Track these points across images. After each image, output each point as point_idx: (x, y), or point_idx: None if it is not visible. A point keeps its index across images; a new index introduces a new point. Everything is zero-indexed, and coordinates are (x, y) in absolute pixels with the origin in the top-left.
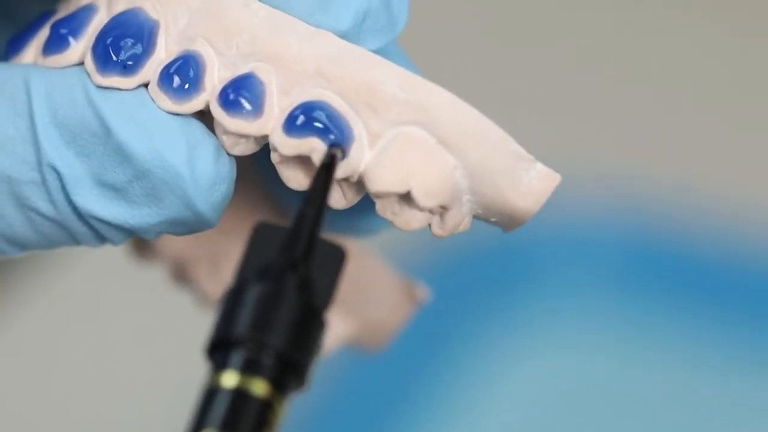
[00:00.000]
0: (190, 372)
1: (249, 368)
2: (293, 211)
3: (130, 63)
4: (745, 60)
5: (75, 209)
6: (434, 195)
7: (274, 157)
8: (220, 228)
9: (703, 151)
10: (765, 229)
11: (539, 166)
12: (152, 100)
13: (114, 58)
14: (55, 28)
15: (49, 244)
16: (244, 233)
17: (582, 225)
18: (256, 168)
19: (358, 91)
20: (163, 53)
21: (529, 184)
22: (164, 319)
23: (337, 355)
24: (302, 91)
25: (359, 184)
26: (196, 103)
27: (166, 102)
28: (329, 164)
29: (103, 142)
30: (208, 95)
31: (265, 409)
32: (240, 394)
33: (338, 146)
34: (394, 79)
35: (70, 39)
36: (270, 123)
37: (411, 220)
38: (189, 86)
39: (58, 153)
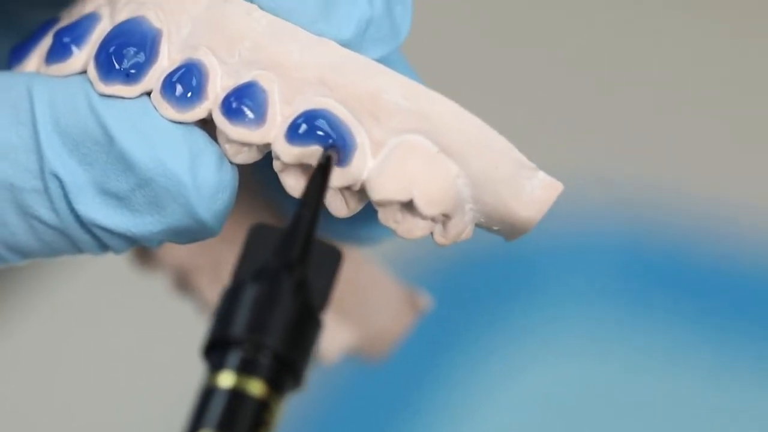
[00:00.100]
0: (192, 380)
1: (246, 368)
2: None
3: (132, 71)
4: (746, 63)
5: (77, 217)
6: (437, 203)
7: (276, 166)
8: (222, 236)
9: (704, 158)
10: (766, 235)
11: (542, 174)
12: (155, 108)
13: (117, 66)
14: (58, 36)
15: (51, 252)
16: None
17: (584, 233)
18: (258, 176)
19: (361, 99)
20: (165, 62)
21: (531, 192)
22: (166, 328)
23: (339, 363)
24: (305, 100)
25: (362, 192)
26: (198, 112)
27: (169, 110)
28: (325, 166)
29: (106, 151)
30: (210, 103)
31: (262, 409)
32: (237, 395)
33: (334, 148)
34: (396, 88)
35: (73, 47)
36: (272, 131)
37: (413, 228)
38: (192, 95)
39: (60, 161)
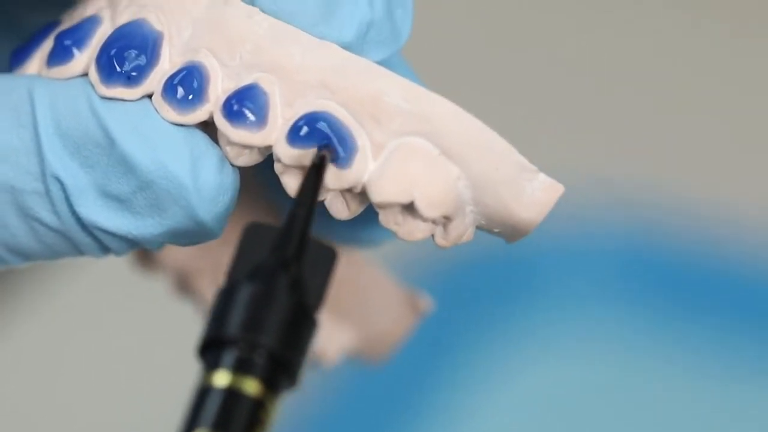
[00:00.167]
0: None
1: (241, 367)
2: None
3: (134, 74)
4: (746, 64)
5: (78, 220)
6: (437, 205)
7: (277, 168)
8: (223, 239)
9: (704, 159)
10: (766, 237)
11: (542, 176)
12: (156, 111)
13: (118, 69)
14: (59, 39)
15: (53, 254)
16: None
17: (584, 235)
18: (259, 179)
19: (362, 102)
20: (167, 64)
21: (532, 194)
22: (167, 330)
23: (339, 365)
24: (306, 102)
25: (362, 194)
26: (199, 114)
27: (170, 113)
28: (319, 165)
29: (107, 153)
30: (211, 106)
31: (257, 409)
32: (232, 394)
33: (328, 147)
34: (397, 90)
35: (74, 50)
36: (273, 134)
37: (414, 230)
38: (193, 97)
39: (61, 163)
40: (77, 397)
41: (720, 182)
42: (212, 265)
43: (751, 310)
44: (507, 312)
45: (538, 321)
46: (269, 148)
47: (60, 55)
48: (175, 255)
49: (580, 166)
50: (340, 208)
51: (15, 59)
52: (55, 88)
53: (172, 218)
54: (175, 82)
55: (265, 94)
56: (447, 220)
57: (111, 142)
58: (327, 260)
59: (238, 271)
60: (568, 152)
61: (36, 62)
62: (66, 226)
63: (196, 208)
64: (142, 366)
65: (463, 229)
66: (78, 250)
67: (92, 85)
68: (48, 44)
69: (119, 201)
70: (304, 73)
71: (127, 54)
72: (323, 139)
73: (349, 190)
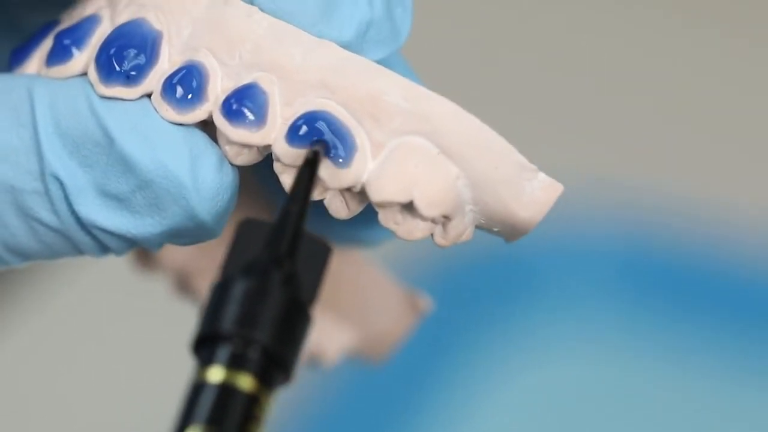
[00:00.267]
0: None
1: (235, 363)
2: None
3: (133, 73)
4: (746, 66)
5: (78, 219)
6: (437, 205)
7: (276, 167)
8: (222, 238)
9: (703, 161)
10: (765, 239)
11: (542, 176)
12: (155, 110)
13: (117, 68)
14: (58, 38)
15: (52, 254)
16: None
17: (583, 235)
18: (258, 178)
19: (362, 101)
20: (166, 63)
21: (531, 194)
22: (167, 330)
23: (339, 365)
24: (305, 102)
25: (362, 194)
26: (199, 113)
27: (169, 112)
28: (312, 160)
29: (107, 152)
30: (211, 105)
31: (252, 404)
32: (226, 389)
33: (321, 143)
34: (397, 90)
35: (74, 49)
36: (273, 133)
37: (414, 230)
38: (192, 96)
39: (61, 163)
40: (77, 397)
41: (720, 183)
42: (212, 265)
43: (750, 310)
44: (506, 312)
45: (538, 321)
46: (268, 147)
47: (59, 54)
48: (175, 255)
49: (580, 167)
50: (339, 208)
51: (14, 59)
52: (54, 87)
53: (171, 217)
54: (175, 81)
55: (264, 93)
56: (446, 219)
57: (110, 141)
58: (321, 255)
59: (232, 267)
60: (568, 153)
61: (35, 62)
62: (65, 226)
63: (195, 207)
64: (142, 366)
65: (462, 229)
66: (77, 250)
67: (91, 85)
68: (47, 44)
69: (118, 200)
70: (304, 72)
71: (127, 53)
72: (322, 139)
73: (349, 190)
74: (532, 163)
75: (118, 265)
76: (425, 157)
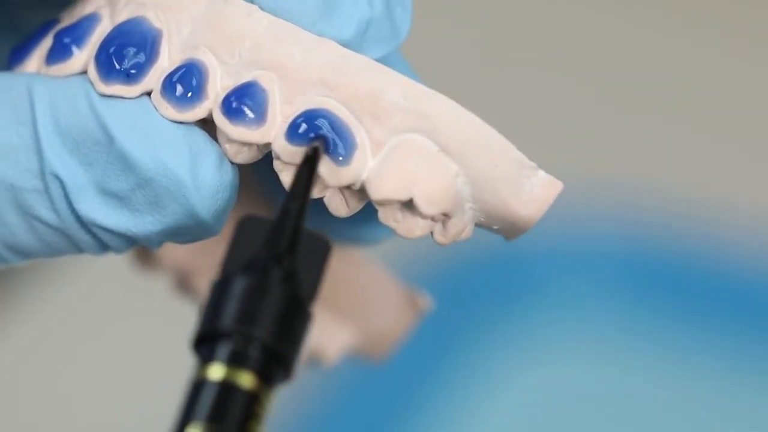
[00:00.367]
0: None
1: (235, 361)
2: None
3: (133, 71)
4: (746, 67)
5: (78, 217)
6: (436, 202)
7: (276, 165)
8: (222, 237)
9: (703, 161)
10: (765, 239)
11: (541, 173)
12: (155, 108)
13: (117, 66)
14: (58, 37)
15: (52, 252)
16: None
17: (583, 235)
18: (258, 176)
19: (361, 99)
20: (166, 62)
21: (531, 191)
22: (167, 329)
23: (339, 364)
24: (305, 100)
25: (362, 192)
26: (198, 112)
27: (169, 110)
28: (312, 157)
29: (106, 151)
30: (210, 103)
31: (252, 402)
32: (227, 387)
33: (321, 139)
34: (396, 88)
35: (74, 48)
36: (273, 131)
37: (413, 227)
38: (192, 94)
39: (61, 161)
40: (77, 397)
41: (719, 183)
42: (212, 264)
43: (750, 310)
44: (506, 311)
45: (538, 321)
46: (268, 145)
47: (59, 53)
48: (175, 253)
49: (580, 167)
50: (339, 206)
51: (14, 57)
52: (54, 85)
53: (171, 215)
54: (174, 79)
55: (264, 91)
56: (446, 217)
57: (110, 139)
58: (321, 252)
59: (232, 264)
60: (568, 153)
61: (35, 60)
62: (65, 224)
63: (195, 205)
64: (142, 365)
65: (462, 226)
66: (77, 248)
67: (91, 83)
68: (47, 42)
69: (118, 198)
70: (304, 70)
71: (126, 52)
72: (322, 135)
73: (348, 188)
74: (530, 161)
75: (118, 264)
76: (425, 155)
